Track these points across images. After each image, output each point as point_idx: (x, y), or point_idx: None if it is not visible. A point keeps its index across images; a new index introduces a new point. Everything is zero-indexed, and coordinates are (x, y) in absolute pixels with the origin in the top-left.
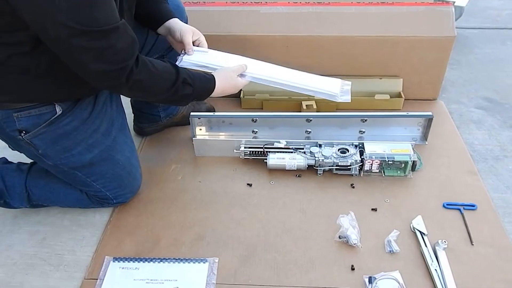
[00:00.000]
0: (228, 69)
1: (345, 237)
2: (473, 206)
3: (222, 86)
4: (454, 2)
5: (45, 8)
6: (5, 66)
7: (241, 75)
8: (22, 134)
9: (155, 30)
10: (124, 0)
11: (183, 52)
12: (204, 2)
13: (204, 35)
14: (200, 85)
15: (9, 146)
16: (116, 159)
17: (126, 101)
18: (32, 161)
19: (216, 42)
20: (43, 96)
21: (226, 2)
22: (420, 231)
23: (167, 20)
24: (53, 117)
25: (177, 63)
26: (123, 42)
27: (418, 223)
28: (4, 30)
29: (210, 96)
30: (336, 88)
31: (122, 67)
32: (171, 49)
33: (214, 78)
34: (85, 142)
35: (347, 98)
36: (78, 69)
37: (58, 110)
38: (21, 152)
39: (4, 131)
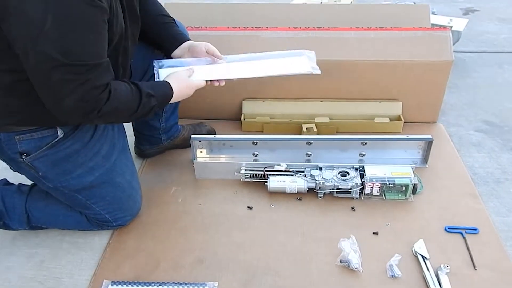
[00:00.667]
0: (178, 72)
1: (346, 261)
2: (475, 229)
3: (178, 87)
4: (451, 27)
5: (31, 32)
6: (9, 90)
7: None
8: (23, 157)
9: (169, 53)
10: (129, 27)
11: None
12: (206, 27)
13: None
14: (161, 93)
15: (10, 168)
16: (117, 181)
17: (127, 124)
18: (32, 182)
19: None
20: (45, 119)
21: (228, 27)
22: (422, 255)
23: (184, 42)
24: (54, 140)
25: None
26: (102, 79)
27: (420, 247)
28: (7, 56)
29: (171, 102)
30: (305, 66)
31: (97, 101)
32: None
33: (168, 82)
34: (86, 165)
35: (316, 69)
36: (52, 101)
37: (60, 133)
38: (22, 174)
39: (5, 153)
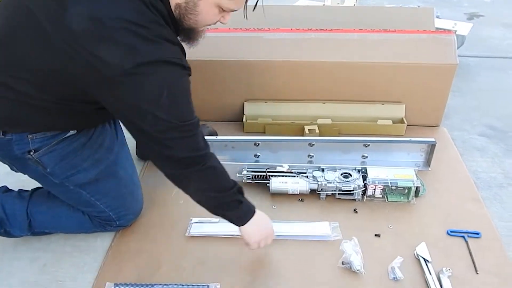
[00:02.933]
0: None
1: (348, 263)
2: (477, 234)
3: (258, 218)
4: (455, 31)
5: (149, 101)
6: (38, 110)
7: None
8: (32, 153)
9: None
10: None
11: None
12: (208, 28)
13: (208, 60)
14: (247, 203)
15: (12, 169)
16: (120, 175)
17: None
18: (33, 188)
19: (220, 67)
20: (64, 128)
21: (229, 29)
22: (424, 258)
23: None
24: (64, 136)
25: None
26: (201, 133)
27: (422, 250)
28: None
29: (246, 225)
30: (326, 230)
31: (202, 155)
32: None
33: (254, 207)
34: (92, 157)
35: (338, 235)
36: (162, 154)
37: (72, 131)
38: (24, 173)
39: (12, 152)
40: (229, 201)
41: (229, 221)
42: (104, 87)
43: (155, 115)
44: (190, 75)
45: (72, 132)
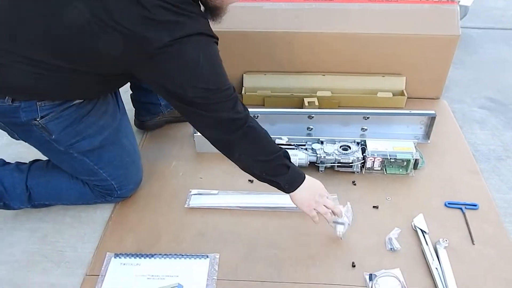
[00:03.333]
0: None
1: (342, 223)
2: (475, 205)
3: (309, 183)
4: (459, 1)
5: (187, 76)
6: (70, 80)
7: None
8: (38, 119)
9: None
10: None
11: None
12: None
13: None
14: (295, 168)
15: (12, 136)
16: (122, 142)
17: (126, 97)
18: (31, 160)
19: (219, 38)
20: (75, 98)
21: None
22: (421, 229)
23: None
24: (72, 104)
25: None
26: (238, 97)
27: (420, 221)
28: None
29: (297, 191)
30: None
31: (245, 115)
32: None
33: (303, 173)
34: (96, 124)
35: None
36: (207, 121)
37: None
38: (26, 141)
39: (18, 119)
40: (276, 165)
41: (278, 188)
42: (145, 62)
43: (195, 82)
44: (217, 43)
45: (79, 100)
